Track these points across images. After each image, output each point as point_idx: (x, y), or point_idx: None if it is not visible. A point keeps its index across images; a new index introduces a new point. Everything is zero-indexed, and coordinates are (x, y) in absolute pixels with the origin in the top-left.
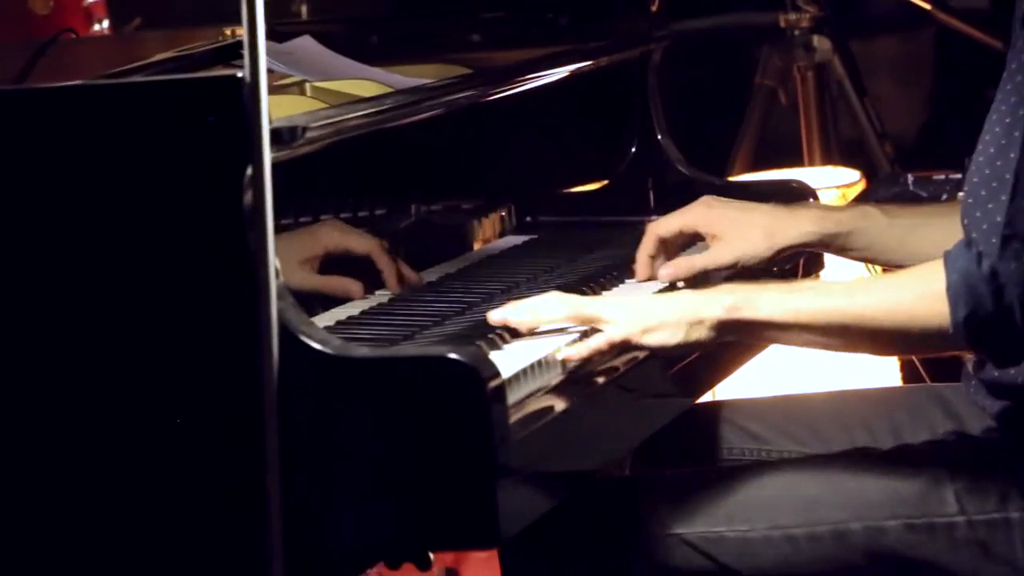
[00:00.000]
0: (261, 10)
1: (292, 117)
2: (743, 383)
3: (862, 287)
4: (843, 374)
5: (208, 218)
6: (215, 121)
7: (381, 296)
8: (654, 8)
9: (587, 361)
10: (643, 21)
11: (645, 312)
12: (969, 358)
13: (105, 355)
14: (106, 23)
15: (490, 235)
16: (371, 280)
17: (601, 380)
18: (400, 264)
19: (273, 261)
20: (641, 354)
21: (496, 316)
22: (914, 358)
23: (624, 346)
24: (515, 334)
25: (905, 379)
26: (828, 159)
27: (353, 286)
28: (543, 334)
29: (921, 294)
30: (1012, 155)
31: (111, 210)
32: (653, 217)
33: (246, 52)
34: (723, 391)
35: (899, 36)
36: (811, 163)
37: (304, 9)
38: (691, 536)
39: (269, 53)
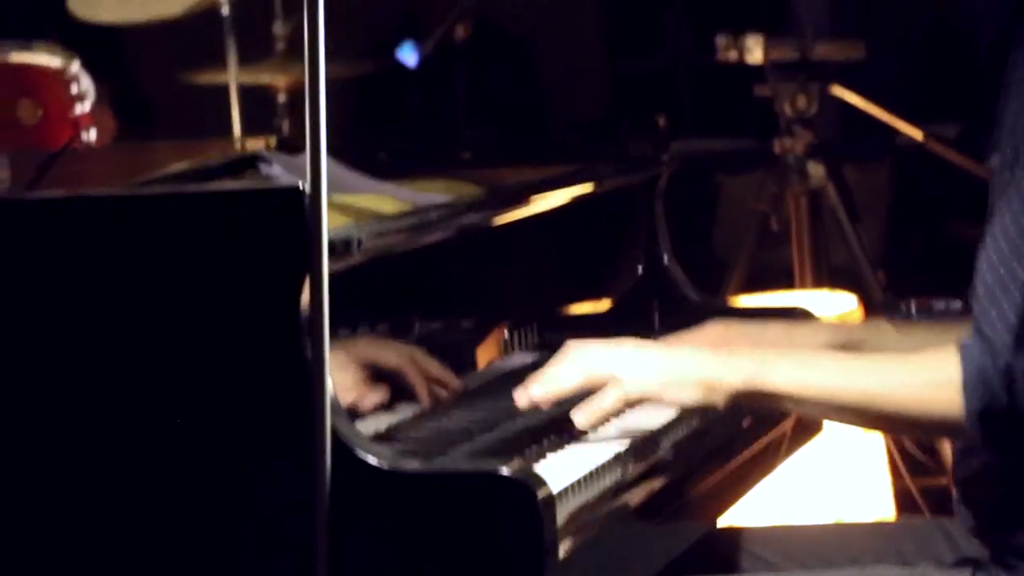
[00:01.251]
0: (324, 120)
1: (344, 228)
2: (750, 511)
3: (882, 367)
4: (841, 504)
5: (262, 327)
6: (275, 230)
7: (407, 409)
8: (661, 125)
9: (622, 479)
10: (649, 143)
11: (664, 367)
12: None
13: (161, 466)
14: (93, 132)
15: (496, 353)
16: (400, 392)
17: (634, 499)
18: (441, 370)
19: (328, 374)
20: (671, 475)
21: (523, 400)
22: (910, 487)
23: (640, 401)
24: (551, 448)
25: (900, 510)
26: (819, 285)
27: (378, 397)
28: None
29: (938, 382)
30: None
31: (166, 318)
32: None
33: (308, 164)
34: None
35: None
36: (802, 288)
37: (286, 125)
38: None
39: (284, 165)
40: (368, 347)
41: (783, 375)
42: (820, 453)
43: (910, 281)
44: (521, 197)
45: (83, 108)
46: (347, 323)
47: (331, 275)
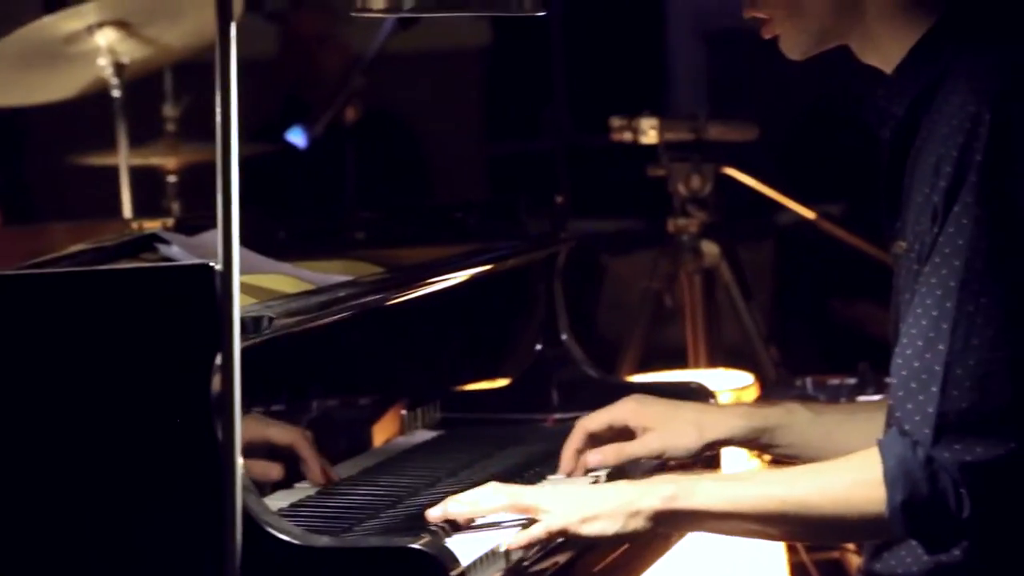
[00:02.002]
0: (236, 201)
1: (253, 307)
2: None
3: (800, 475)
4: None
5: (173, 406)
6: (186, 308)
7: (304, 488)
8: (559, 202)
9: (528, 552)
10: (548, 220)
11: (583, 502)
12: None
13: (70, 547)
14: None
15: (396, 430)
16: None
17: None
18: (319, 459)
19: (239, 449)
20: (574, 551)
21: (436, 512)
22: (805, 560)
23: (562, 535)
24: (456, 527)
25: None
26: (712, 363)
27: (275, 472)
28: (483, 526)
29: (858, 481)
30: (940, 347)
31: (77, 396)
32: (556, 415)
33: (220, 243)
34: None
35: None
36: (696, 366)
37: (176, 205)
38: None
39: (181, 245)
40: (262, 426)
41: (705, 493)
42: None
43: (799, 358)
44: (425, 275)
45: None
46: (250, 402)
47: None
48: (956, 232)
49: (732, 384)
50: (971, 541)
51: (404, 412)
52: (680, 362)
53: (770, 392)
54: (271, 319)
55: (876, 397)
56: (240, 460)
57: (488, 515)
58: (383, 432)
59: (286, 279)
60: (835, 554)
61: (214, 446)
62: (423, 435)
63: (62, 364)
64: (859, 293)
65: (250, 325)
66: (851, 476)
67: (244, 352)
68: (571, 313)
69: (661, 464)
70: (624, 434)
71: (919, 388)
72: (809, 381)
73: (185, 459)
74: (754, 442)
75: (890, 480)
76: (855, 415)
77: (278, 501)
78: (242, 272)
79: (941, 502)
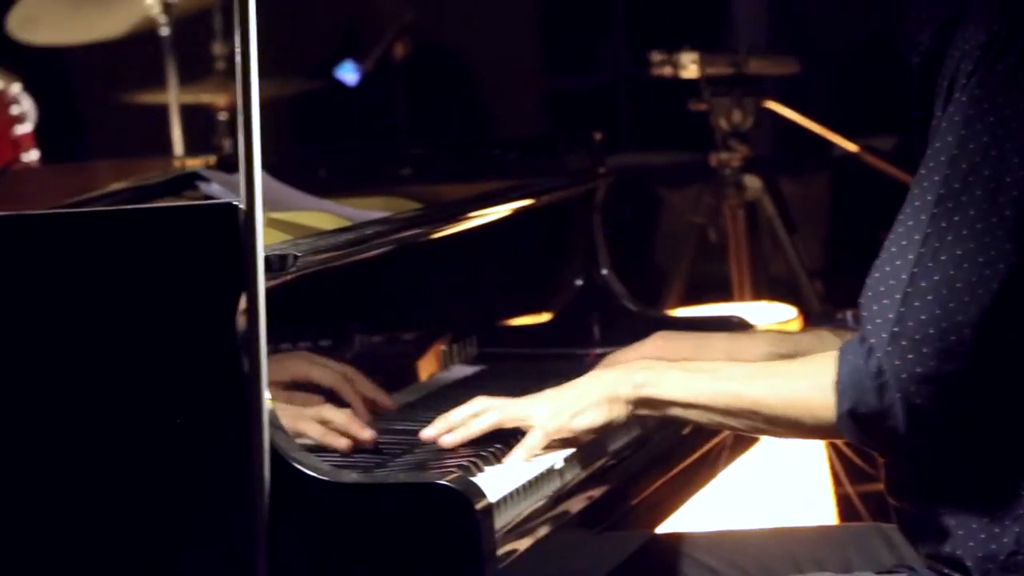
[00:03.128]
0: (258, 142)
1: (279, 245)
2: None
3: (761, 373)
4: (783, 511)
5: (198, 343)
6: (211, 247)
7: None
8: (597, 139)
9: (562, 487)
10: (586, 157)
11: (568, 400)
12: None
13: (98, 484)
14: (34, 153)
15: (437, 366)
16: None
17: (573, 508)
18: (374, 389)
19: (265, 386)
20: (603, 490)
21: (428, 433)
22: (850, 493)
23: (559, 434)
24: (488, 461)
25: (842, 516)
26: (757, 296)
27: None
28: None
29: (814, 385)
30: (910, 256)
31: (104, 335)
32: (598, 350)
33: (242, 182)
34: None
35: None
36: (740, 299)
37: (227, 143)
38: None
39: (221, 183)
40: (303, 364)
41: (670, 383)
42: (761, 461)
43: (847, 291)
44: (459, 212)
45: (24, 129)
46: (288, 338)
47: (268, 290)
48: (942, 147)
49: (775, 317)
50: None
51: (444, 348)
52: (725, 295)
53: (812, 325)
54: (296, 257)
55: None
56: (267, 396)
57: (480, 433)
58: (426, 368)
59: (326, 216)
60: (880, 486)
61: (241, 384)
62: (464, 370)
63: (89, 303)
64: None
65: (276, 263)
66: (806, 381)
67: (280, 289)
68: (621, 247)
69: None
70: None
71: (883, 294)
72: (849, 314)
73: (213, 396)
74: None
75: (840, 388)
76: None
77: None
78: (283, 209)
79: (888, 414)
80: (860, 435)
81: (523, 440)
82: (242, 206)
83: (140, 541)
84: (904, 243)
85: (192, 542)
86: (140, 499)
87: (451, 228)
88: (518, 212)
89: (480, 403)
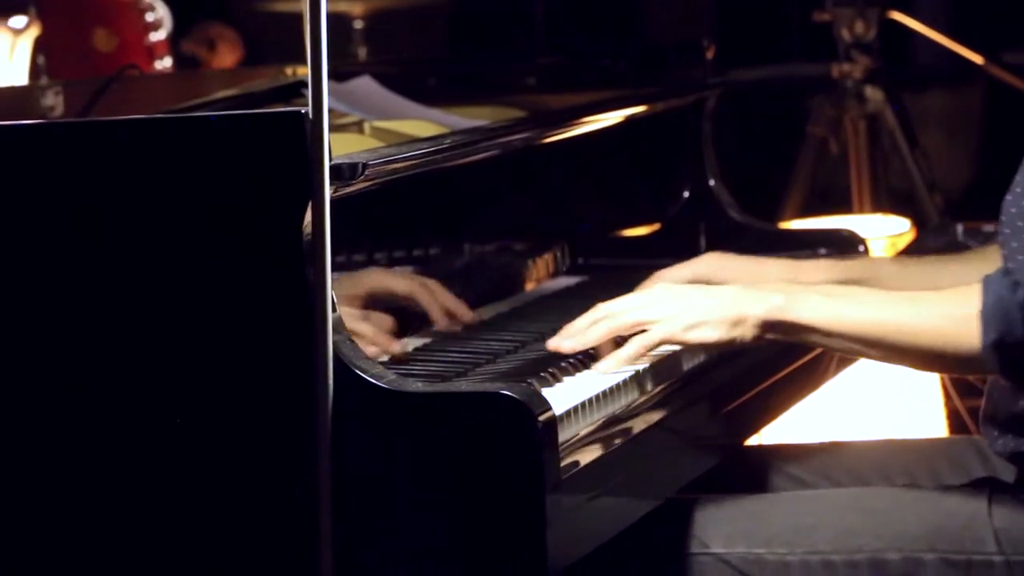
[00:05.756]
0: (325, 51)
1: (352, 154)
2: (790, 428)
3: (903, 301)
4: (890, 423)
5: (266, 251)
6: (278, 155)
7: (435, 334)
8: (709, 55)
9: (637, 399)
10: (697, 69)
11: (688, 309)
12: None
13: (162, 387)
14: (168, 60)
15: (542, 276)
16: (422, 319)
17: (651, 419)
18: (454, 301)
19: (330, 295)
20: (684, 401)
21: (551, 344)
22: (960, 407)
23: (663, 343)
24: (567, 371)
25: (951, 430)
26: (877, 208)
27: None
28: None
29: (956, 315)
30: None
31: (172, 241)
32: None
33: (310, 90)
34: (769, 436)
35: (948, 90)
36: (860, 212)
37: (363, 51)
38: (731, 557)
39: (331, 92)
40: (381, 276)
41: (811, 307)
42: (870, 372)
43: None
44: (561, 120)
45: (158, 36)
46: (386, 247)
47: (356, 196)
48: None
49: (888, 231)
50: None
51: (554, 257)
52: (844, 207)
53: (923, 238)
54: (366, 165)
55: None
56: (331, 302)
57: (599, 342)
58: (533, 277)
59: (429, 125)
60: None
61: (306, 292)
62: (566, 280)
63: (155, 211)
64: None
65: (346, 171)
66: (949, 309)
67: (372, 196)
68: (740, 158)
69: None
70: None
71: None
72: (960, 227)
73: (279, 307)
74: None
75: (986, 318)
76: (947, 265)
77: (402, 346)
78: (388, 117)
79: None
80: (1006, 365)
81: (622, 349)
82: (310, 114)
83: (205, 448)
84: None
85: (256, 450)
86: (205, 408)
87: (554, 137)
88: (626, 121)
89: (602, 309)
